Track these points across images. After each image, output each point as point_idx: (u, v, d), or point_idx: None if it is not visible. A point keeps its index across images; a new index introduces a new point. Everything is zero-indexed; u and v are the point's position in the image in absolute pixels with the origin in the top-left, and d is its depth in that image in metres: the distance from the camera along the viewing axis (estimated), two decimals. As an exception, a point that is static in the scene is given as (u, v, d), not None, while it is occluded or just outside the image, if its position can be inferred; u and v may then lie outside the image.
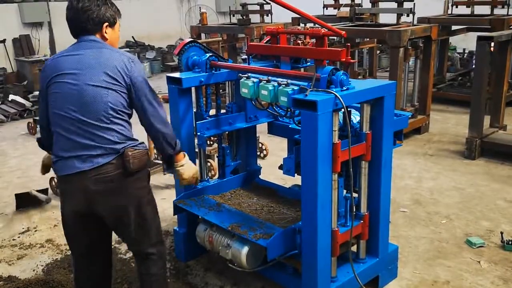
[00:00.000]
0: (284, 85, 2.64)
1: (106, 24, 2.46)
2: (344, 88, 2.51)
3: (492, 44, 5.30)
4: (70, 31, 2.49)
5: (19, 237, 4.05)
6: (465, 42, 9.88)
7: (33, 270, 3.52)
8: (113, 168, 2.34)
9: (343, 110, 2.45)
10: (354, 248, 2.98)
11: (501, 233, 3.65)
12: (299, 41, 3.22)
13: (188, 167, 2.70)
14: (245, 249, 2.83)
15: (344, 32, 2.77)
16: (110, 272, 2.84)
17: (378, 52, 9.58)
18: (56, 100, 2.36)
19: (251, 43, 3.33)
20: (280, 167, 3.29)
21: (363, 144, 2.73)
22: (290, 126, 3.21)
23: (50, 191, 4.85)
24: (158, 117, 2.47)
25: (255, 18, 8.33)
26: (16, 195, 4.60)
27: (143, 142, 2.49)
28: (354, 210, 2.78)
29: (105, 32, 2.47)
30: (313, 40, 2.98)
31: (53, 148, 2.44)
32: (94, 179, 2.32)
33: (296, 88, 2.59)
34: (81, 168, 2.32)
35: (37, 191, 4.62)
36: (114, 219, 2.47)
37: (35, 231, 4.13)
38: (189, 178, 2.72)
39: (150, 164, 4.72)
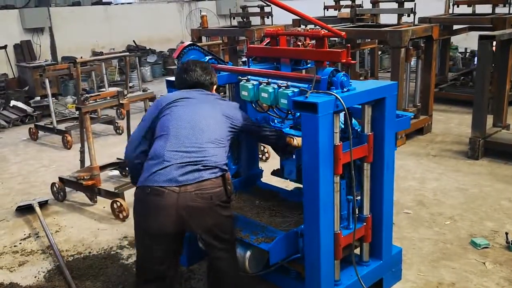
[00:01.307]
0: (284, 87, 2.62)
1: (215, 85, 2.90)
2: (345, 89, 2.48)
3: (494, 43, 5.26)
4: (190, 85, 2.84)
5: (20, 243, 4.04)
6: (466, 41, 9.84)
7: (35, 277, 3.51)
8: None
9: (344, 111, 2.43)
10: (357, 251, 2.95)
11: (506, 233, 3.61)
12: (299, 43, 3.19)
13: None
14: (247, 254, 2.80)
15: (344, 33, 2.75)
16: None
17: (379, 52, 9.55)
18: None
19: (251, 46, 3.31)
20: (273, 173, 3.28)
21: (364, 146, 2.69)
22: (283, 130, 3.17)
23: (51, 196, 4.84)
24: None
25: (255, 20, 8.34)
26: (19, 207, 4.60)
27: None
28: (357, 212, 2.75)
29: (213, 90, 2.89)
30: (313, 42, 2.95)
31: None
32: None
33: (296, 90, 2.57)
34: None
35: (38, 203, 4.59)
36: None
37: (37, 237, 4.12)
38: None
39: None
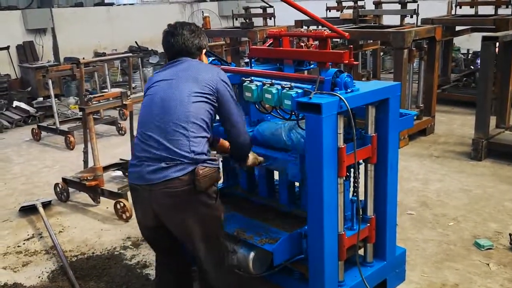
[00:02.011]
0: (287, 88, 2.62)
1: (204, 50, 2.69)
2: (349, 90, 2.49)
3: (497, 44, 5.26)
4: (175, 53, 2.66)
5: (24, 243, 4.04)
6: (469, 42, 9.83)
7: (38, 277, 3.51)
8: None
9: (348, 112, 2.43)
10: (361, 252, 2.95)
11: (510, 235, 3.60)
12: (302, 44, 3.19)
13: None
14: (251, 255, 2.80)
15: (347, 33, 2.75)
16: (190, 269, 2.85)
17: (381, 53, 9.55)
18: None
19: (253, 47, 3.30)
20: None
21: (368, 147, 2.69)
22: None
23: (55, 197, 4.85)
24: None
25: (258, 21, 8.33)
26: (22, 208, 4.61)
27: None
28: (361, 213, 2.74)
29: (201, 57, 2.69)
30: (316, 42, 2.95)
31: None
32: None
33: (300, 91, 2.57)
34: None
35: (42, 203, 4.59)
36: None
37: (40, 237, 4.12)
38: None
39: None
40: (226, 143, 2.87)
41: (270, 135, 2.96)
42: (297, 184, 3.05)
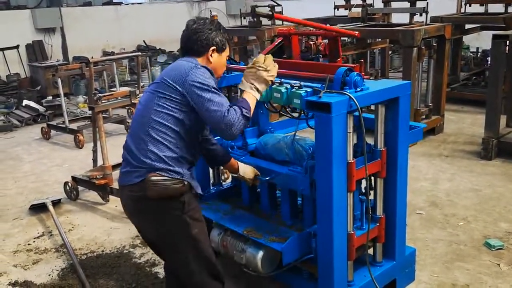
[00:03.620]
0: (297, 87, 2.61)
1: (214, 48, 2.48)
2: (359, 89, 2.47)
3: (508, 42, 5.20)
4: (181, 50, 2.56)
5: (34, 241, 4.07)
6: (478, 41, 9.75)
7: (49, 275, 3.54)
8: None
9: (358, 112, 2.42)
10: (370, 251, 2.94)
11: (521, 235, 3.58)
12: (311, 42, 3.18)
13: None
14: (260, 254, 2.80)
15: (357, 32, 2.74)
16: None
17: (390, 52, 9.49)
18: None
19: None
20: None
21: (378, 162, 2.68)
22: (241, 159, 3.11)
23: (64, 195, 4.88)
24: None
25: (266, 20, 8.30)
26: (32, 206, 4.64)
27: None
28: (370, 212, 2.73)
29: (211, 55, 2.49)
30: (325, 41, 2.94)
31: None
32: None
33: (309, 90, 2.56)
34: None
35: (52, 201, 4.62)
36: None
37: (50, 235, 4.15)
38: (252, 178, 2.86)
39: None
40: (234, 163, 2.87)
41: (271, 148, 2.99)
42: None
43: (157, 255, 2.77)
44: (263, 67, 2.43)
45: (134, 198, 2.34)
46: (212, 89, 2.29)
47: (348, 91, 2.42)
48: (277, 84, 2.72)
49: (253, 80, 2.43)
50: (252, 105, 2.38)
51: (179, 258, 2.43)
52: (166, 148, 2.28)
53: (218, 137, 2.89)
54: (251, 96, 2.40)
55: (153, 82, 2.46)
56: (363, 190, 2.80)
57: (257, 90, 2.43)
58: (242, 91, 2.45)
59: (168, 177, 2.26)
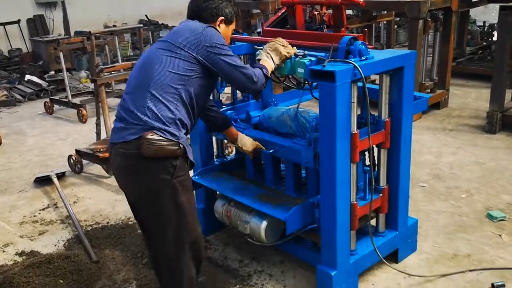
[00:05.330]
0: (301, 56, 2.59)
1: (222, 18, 2.49)
2: (363, 58, 2.45)
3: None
4: (187, 17, 2.53)
5: (39, 213, 4.12)
6: (485, 15, 9.59)
7: (55, 245, 3.58)
8: None
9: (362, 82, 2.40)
10: (373, 222, 2.96)
11: (523, 207, 3.59)
12: (315, 12, 3.13)
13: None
14: (263, 224, 2.83)
15: (362, 0, 2.69)
16: None
17: (395, 26, 9.36)
18: None
19: (266, 28, 3.20)
20: None
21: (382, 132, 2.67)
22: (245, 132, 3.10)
23: (68, 168, 4.91)
24: None
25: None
26: (37, 179, 4.68)
27: None
28: (374, 183, 2.74)
29: (218, 26, 2.48)
30: (330, 12, 2.90)
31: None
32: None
33: (313, 59, 2.54)
34: None
35: (56, 174, 4.65)
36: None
37: (55, 207, 4.19)
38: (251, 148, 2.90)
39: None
40: (234, 131, 2.88)
41: (275, 120, 2.99)
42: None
43: (138, 223, 2.63)
44: (281, 42, 2.62)
45: (125, 155, 2.25)
46: (229, 49, 2.39)
47: (353, 60, 2.40)
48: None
49: (270, 51, 2.60)
50: (269, 70, 2.55)
51: (159, 226, 2.32)
52: (165, 108, 2.23)
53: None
54: (267, 64, 2.56)
55: (159, 41, 2.40)
56: (367, 161, 2.80)
57: (272, 60, 2.58)
58: (259, 60, 2.60)
59: (164, 137, 2.20)
